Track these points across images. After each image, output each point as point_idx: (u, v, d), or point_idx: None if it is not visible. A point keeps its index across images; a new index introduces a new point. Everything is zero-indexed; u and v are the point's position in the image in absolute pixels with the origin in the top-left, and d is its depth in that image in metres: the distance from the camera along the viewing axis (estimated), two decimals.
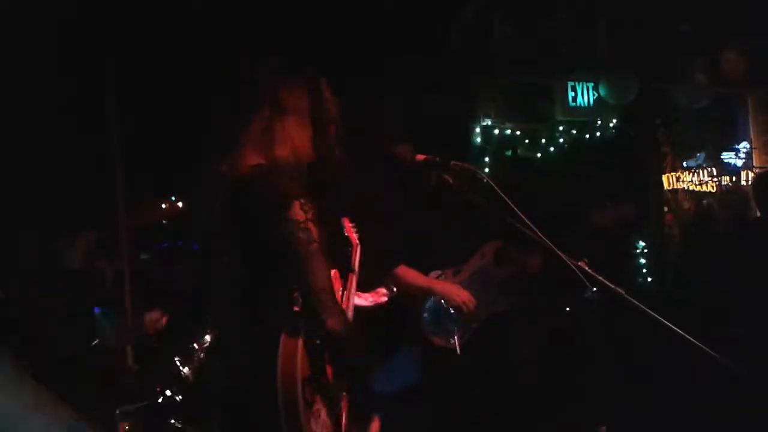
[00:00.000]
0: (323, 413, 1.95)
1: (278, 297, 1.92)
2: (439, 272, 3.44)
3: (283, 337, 1.85)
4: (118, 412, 3.10)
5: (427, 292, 3.33)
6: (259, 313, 1.92)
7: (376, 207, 3.37)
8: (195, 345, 3.32)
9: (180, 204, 5.00)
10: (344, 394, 2.08)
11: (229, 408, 1.92)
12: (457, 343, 3.31)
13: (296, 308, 1.91)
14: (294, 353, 1.83)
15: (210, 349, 3.07)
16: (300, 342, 1.85)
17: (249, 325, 1.93)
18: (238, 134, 2.02)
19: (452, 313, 3.34)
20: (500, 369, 4.10)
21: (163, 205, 5.03)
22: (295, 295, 1.92)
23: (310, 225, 1.87)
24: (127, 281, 4.17)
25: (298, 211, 1.86)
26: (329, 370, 2.02)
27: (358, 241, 2.53)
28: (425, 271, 3.38)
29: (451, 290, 3.32)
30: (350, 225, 2.26)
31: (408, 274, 3.28)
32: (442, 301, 3.34)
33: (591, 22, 5.48)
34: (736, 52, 5.47)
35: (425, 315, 3.36)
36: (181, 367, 3.25)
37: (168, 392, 3.22)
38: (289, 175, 1.96)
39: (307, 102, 2.07)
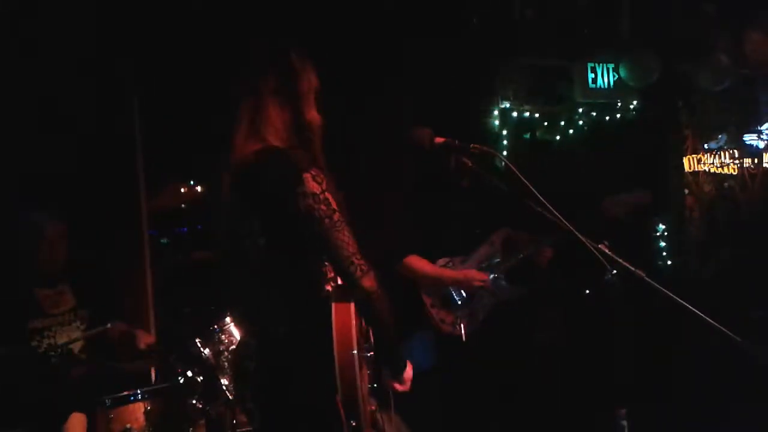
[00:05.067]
0: (366, 378, 2.00)
1: (315, 270, 1.96)
2: (447, 260, 3.43)
3: (334, 306, 1.88)
4: (139, 393, 3.15)
5: (437, 282, 3.32)
6: (300, 293, 1.95)
7: (391, 193, 3.38)
8: (215, 326, 3.36)
9: (199, 188, 5.04)
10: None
11: (280, 388, 1.93)
12: (463, 332, 3.30)
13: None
14: (349, 319, 1.87)
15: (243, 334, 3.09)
16: (352, 306, 1.89)
17: (292, 306, 1.95)
18: (237, 122, 2.04)
19: (459, 303, 3.34)
20: (520, 352, 4.10)
21: (183, 190, 5.08)
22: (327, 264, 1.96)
23: (328, 195, 1.89)
24: (147, 266, 4.23)
25: (312, 184, 1.87)
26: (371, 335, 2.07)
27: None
28: (434, 258, 3.37)
29: (464, 277, 3.31)
30: None
31: (418, 264, 3.28)
32: (452, 289, 3.34)
33: (612, 1, 5.41)
34: (760, 31, 5.37)
35: (432, 304, 3.35)
36: (202, 349, 3.29)
37: (189, 373, 3.26)
38: (293, 151, 1.96)
39: (291, 79, 2.05)
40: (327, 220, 1.87)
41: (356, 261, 1.90)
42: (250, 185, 1.94)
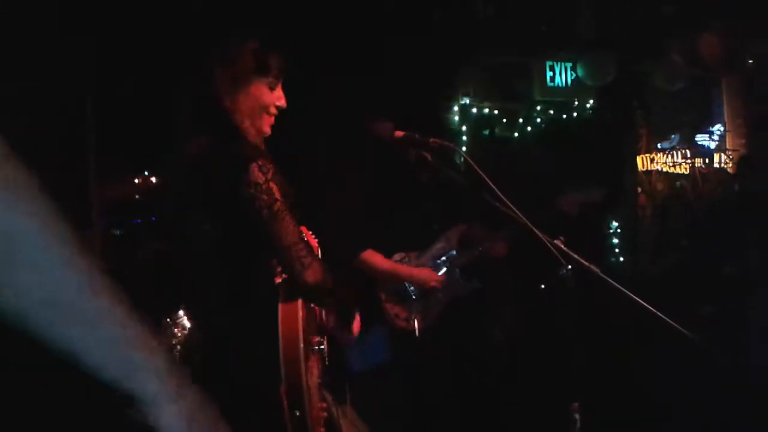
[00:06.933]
0: (315, 370, 1.97)
1: (261, 264, 1.91)
2: (403, 255, 3.42)
3: (281, 305, 1.84)
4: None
5: (393, 278, 3.31)
6: (246, 284, 1.91)
7: (348, 187, 3.34)
8: (168, 319, 3.30)
9: (153, 179, 4.95)
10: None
11: (223, 379, 1.88)
12: (416, 327, 3.30)
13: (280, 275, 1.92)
14: (295, 318, 1.83)
15: (191, 327, 3.04)
16: (299, 304, 1.85)
17: (237, 296, 1.91)
18: (183, 113, 2.01)
19: (413, 298, 3.34)
20: (474, 347, 4.12)
21: (136, 180, 4.98)
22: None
23: (272, 185, 1.84)
24: (97, 257, 4.13)
25: (257, 174, 1.83)
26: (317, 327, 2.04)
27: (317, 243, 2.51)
28: (391, 253, 3.36)
29: (419, 276, 3.31)
30: (306, 230, 2.23)
31: (374, 259, 3.26)
32: (407, 284, 3.34)
33: (571, 1, 5.47)
34: (714, 35, 5.49)
35: (386, 298, 3.35)
36: None
37: None
38: (239, 141, 1.93)
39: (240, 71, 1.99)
40: (266, 211, 1.82)
41: (296, 254, 1.84)
42: (197, 177, 1.90)
